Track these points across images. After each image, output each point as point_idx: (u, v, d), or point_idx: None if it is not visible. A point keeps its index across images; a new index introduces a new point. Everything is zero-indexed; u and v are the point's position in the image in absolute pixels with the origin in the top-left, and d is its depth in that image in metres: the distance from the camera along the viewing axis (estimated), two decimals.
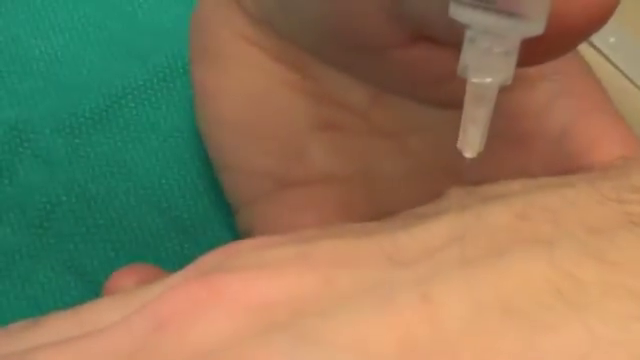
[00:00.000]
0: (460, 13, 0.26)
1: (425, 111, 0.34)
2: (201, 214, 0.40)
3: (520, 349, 0.24)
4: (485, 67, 0.27)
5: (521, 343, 0.24)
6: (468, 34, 0.27)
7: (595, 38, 0.45)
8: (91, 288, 0.37)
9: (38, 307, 0.36)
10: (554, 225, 0.26)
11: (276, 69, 0.36)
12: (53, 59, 0.44)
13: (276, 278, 0.26)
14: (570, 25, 0.27)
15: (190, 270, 0.28)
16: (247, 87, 0.37)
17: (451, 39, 0.27)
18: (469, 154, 0.28)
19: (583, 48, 0.37)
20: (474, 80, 0.27)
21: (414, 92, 0.34)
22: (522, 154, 0.34)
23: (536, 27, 0.26)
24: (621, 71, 0.44)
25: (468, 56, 0.27)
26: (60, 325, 0.28)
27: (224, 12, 0.37)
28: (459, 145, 0.28)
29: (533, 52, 0.27)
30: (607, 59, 0.45)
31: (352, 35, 0.33)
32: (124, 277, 0.32)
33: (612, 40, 0.45)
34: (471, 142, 0.28)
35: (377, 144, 0.36)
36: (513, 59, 0.27)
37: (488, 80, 0.27)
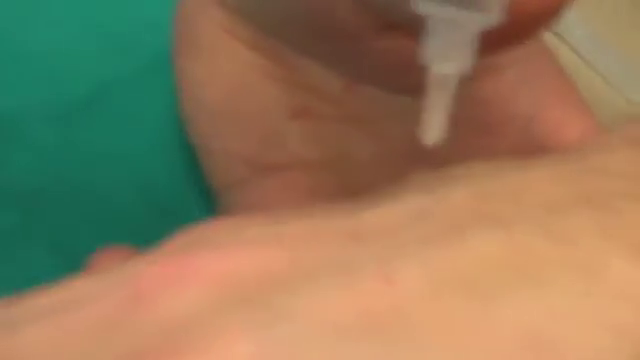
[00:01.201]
0: (421, 5, 0.27)
1: (395, 99, 0.35)
2: (184, 199, 0.40)
3: (475, 320, 0.25)
4: (445, 57, 0.28)
5: (476, 314, 0.25)
6: (429, 24, 0.27)
7: (562, 30, 0.46)
8: (77, 269, 0.37)
9: (26, 287, 0.37)
10: (513, 204, 0.27)
11: (253, 59, 0.37)
12: (42, 50, 0.45)
13: (247, 255, 0.27)
14: (526, 14, 0.28)
15: (166, 246, 0.29)
16: (226, 76, 0.37)
17: (416, 28, 0.28)
18: (429, 141, 0.29)
19: (550, 39, 0.38)
20: (435, 69, 0.28)
21: (384, 81, 0.35)
22: (489, 139, 0.34)
23: (494, 18, 0.27)
24: (587, 61, 0.45)
25: (429, 46, 0.28)
26: (42, 300, 0.29)
27: (205, 5, 0.37)
28: (419, 133, 0.29)
29: (493, 41, 0.28)
30: (573, 50, 0.45)
31: (323, 26, 0.33)
32: (105, 256, 0.33)
33: (579, 32, 0.46)
34: (431, 130, 0.29)
35: (349, 130, 0.37)
36: (472, 49, 0.28)
37: (449, 69, 0.28)
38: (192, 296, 0.26)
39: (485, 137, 0.34)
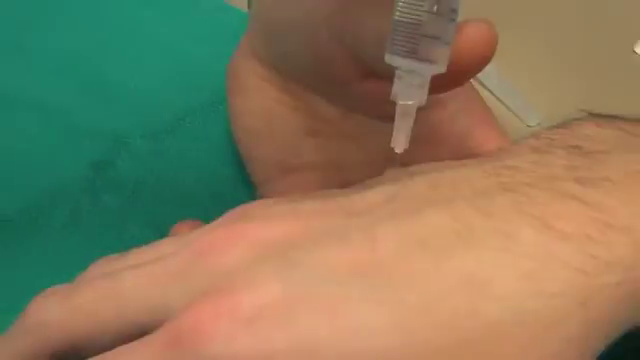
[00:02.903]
0: (393, 59, 0.27)
1: (374, 122, 0.35)
2: (236, 190, 0.41)
3: (429, 269, 0.25)
4: (408, 94, 0.28)
5: (430, 265, 0.25)
6: (397, 72, 0.28)
7: (483, 78, 0.46)
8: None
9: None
10: (453, 190, 0.28)
11: (279, 96, 0.37)
12: (141, 88, 0.45)
13: (274, 225, 0.28)
14: (462, 67, 0.28)
15: (222, 219, 0.29)
16: (260, 108, 0.38)
17: (388, 76, 0.29)
18: (398, 150, 0.30)
19: (475, 84, 0.38)
20: (401, 102, 0.29)
21: (367, 111, 0.35)
22: (437, 149, 0.34)
23: (441, 68, 0.27)
24: (498, 98, 0.46)
25: (397, 87, 0.28)
26: (139, 256, 0.30)
27: (247, 59, 0.38)
28: (392, 144, 0.30)
29: (441, 84, 0.29)
30: (490, 90, 0.46)
31: (326, 74, 0.34)
32: (181, 226, 0.34)
33: (493, 79, 0.46)
34: (399, 143, 0.30)
35: (345, 144, 0.37)
36: (426, 89, 0.28)
37: (410, 102, 0.29)
38: (237, 252, 0.27)
39: (434, 148, 0.34)
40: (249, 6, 0.40)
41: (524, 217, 0.26)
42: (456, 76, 0.29)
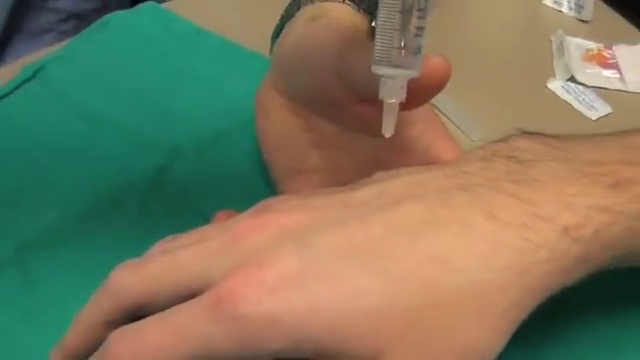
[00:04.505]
0: (378, 69, 0.27)
1: (363, 137, 0.34)
2: (262, 188, 0.40)
3: (405, 249, 0.25)
4: (391, 94, 0.28)
5: (406, 245, 0.25)
6: (382, 79, 0.28)
7: (437, 102, 0.45)
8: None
9: None
10: (424, 189, 0.27)
11: (293, 119, 0.37)
12: (191, 113, 0.44)
13: (290, 215, 0.27)
14: (427, 88, 0.29)
15: (251, 210, 0.29)
16: (278, 126, 0.37)
17: (374, 101, 0.29)
18: (387, 135, 0.29)
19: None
20: (387, 101, 0.28)
21: (358, 128, 0.34)
22: (410, 158, 0.33)
23: (415, 73, 0.27)
24: (450, 119, 0.44)
25: (383, 90, 0.28)
26: (190, 237, 0.29)
27: (270, 91, 0.38)
28: (382, 131, 0.29)
29: (411, 101, 0.28)
30: (443, 114, 0.45)
31: (327, 101, 0.34)
32: (222, 215, 0.33)
33: (446, 105, 0.45)
34: (388, 130, 0.29)
35: (341, 153, 0.36)
36: (404, 89, 0.28)
37: (393, 101, 0.28)
38: (263, 236, 0.26)
39: (407, 157, 0.34)
40: (270, 53, 0.40)
41: (477, 210, 0.25)
42: (423, 94, 0.29)
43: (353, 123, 0.34)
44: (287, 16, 0.39)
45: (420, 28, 0.26)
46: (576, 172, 0.27)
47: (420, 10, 0.26)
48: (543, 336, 0.32)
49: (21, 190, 0.38)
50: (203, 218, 0.33)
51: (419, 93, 0.29)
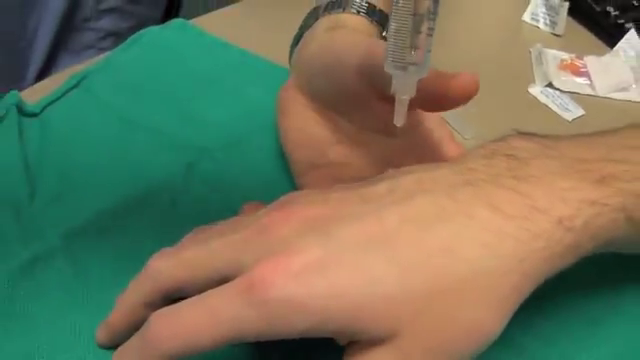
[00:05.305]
0: (390, 68, 0.27)
1: (379, 136, 0.33)
2: (282, 183, 0.38)
3: (417, 238, 0.23)
4: (402, 90, 0.27)
5: (418, 235, 0.24)
6: (394, 77, 0.27)
7: None
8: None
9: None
10: (433, 184, 0.25)
11: (314, 117, 0.35)
12: (218, 118, 0.42)
13: (314, 208, 0.26)
14: (456, 99, 0.28)
15: (277, 202, 0.27)
16: (300, 125, 0.36)
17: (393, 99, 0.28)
18: (399, 125, 0.28)
19: None
20: (399, 97, 0.28)
21: (376, 127, 0.33)
22: (417, 157, 0.32)
23: (424, 73, 0.27)
24: (448, 122, 0.43)
25: (395, 86, 0.27)
26: (222, 228, 0.28)
27: (292, 92, 0.36)
28: (394, 122, 0.29)
29: (435, 108, 0.29)
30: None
31: (349, 100, 0.32)
32: (249, 207, 0.32)
33: None
34: (399, 121, 0.28)
35: (357, 150, 0.35)
36: (414, 86, 0.27)
37: (405, 97, 0.28)
38: (290, 226, 0.25)
39: (415, 156, 0.32)
40: (290, 60, 0.39)
41: (481, 203, 0.24)
42: (449, 104, 0.29)
43: (371, 121, 0.33)
44: (305, 26, 0.38)
45: (431, 29, 0.25)
46: (567, 168, 0.26)
47: (432, 13, 0.25)
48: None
49: (66, 188, 0.36)
50: (229, 210, 0.32)
51: (446, 102, 0.28)
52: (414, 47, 0.25)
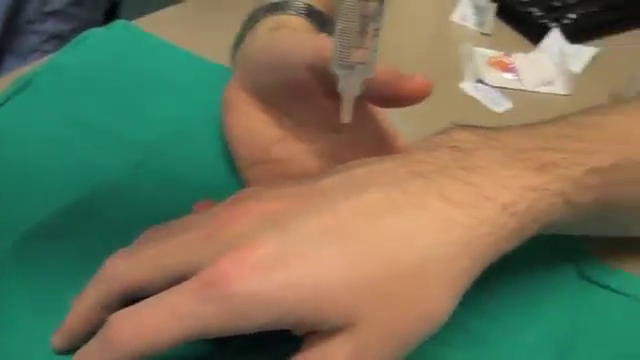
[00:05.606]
0: (336, 68, 0.26)
1: (323, 132, 0.32)
2: (228, 178, 0.36)
3: (370, 230, 0.23)
4: (349, 89, 0.27)
5: (370, 227, 0.23)
6: (340, 77, 0.26)
7: None
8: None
9: None
10: (384, 177, 0.25)
11: (258, 115, 0.34)
12: (164, 116, 0.41)
13: (269, 203, 0.25)
14: (409, 98, 0.28)
15: (230, 200, 0.27)
16: (244, 123, 0.34)
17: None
18: (346, 121, 0.28)
19: None
20: (346, 94, 0.27)
21: (321, 122, 0.32)
22: (360, 152, 0.30)
23: (371, 72, 0.26)
24: None
25: (342, 85, 0.27)
26: (178, 226, 0.27)
27: (236, 89, 0.35)
28: (341, 119, 0.28)
29: (390, 104, 0.28)
30: None
31: (296, 95, 0.31)
32: (202, 205, 0.30)
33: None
34: (346, 118, 0.28)
35: (301, 146, 0.33)
36: (359, 85, 0.27)
37: (351, 95, 0.27)
38: (247, 222, 0.24)
39: (358, 151, 0.30)
40: (232, 60, 0.38)
41: (432, 193, 0.24)
42: (403, 102, 0.28)
43: (316, 117, 0.32)
44: (247, 27, 0.37)
45: (376, 30, 0.24)
46: (509, 158, 0.26)
47: (378, 14, 0.24)
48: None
49: (15, 191, 0.34)
50: (178, 206, 0.30)
51: (398, 102, 0.28)
52: (360, 47, 0.25)
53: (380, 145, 0.31)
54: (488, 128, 0.28)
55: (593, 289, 0.33)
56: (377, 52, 0.25)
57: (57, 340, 0.27)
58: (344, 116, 0.27)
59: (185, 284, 0.22)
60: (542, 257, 0.33)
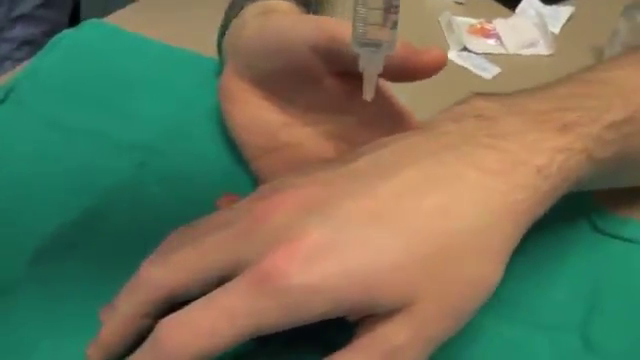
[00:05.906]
0: (357, 48, 0.25)
1: (330, 114, 0.32)
2: (234, 172, 0.35)
3: (412, 208, 0.23)
4: (371, 67, 0.26)
5: (413, 205, 0.23)
6: (362, 55, 0.26)
7: None
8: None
9: None
10: (415, 153, 0.25)
11: (258, 102, 0.33)
12: (162, 115, 0.39)
13: (305, 190, 0.24)
14: (426, 70, 0.28)
15: (263, 190, 0.26)
16: (248, 111, 0.33)
17: (355, 71, 0.26)
18: (368, 99, 0.27)
19: None
20: (366, 71, 0.27)
21: (328, 103, 0.31)
22: (371, 131, 0.30)
23: (392, 49, 0.25)
24: None
25: (364, 63, 0.26)
26: (209, 224, 0.25)
27: (232, 78, 0.33)
28: (364, 97, 0.27)
29: (405, 78, 0.27)
30: None
31: (303, 75, 0.30)
32: (226, 200, 0.30)
33: None
34: (368, 95, 0.27)
35: (308, 130, 0.33)
36: (381, 62, 0.26)
37: (376, 72, 0.27)
38: (285, 213, 0.23)
39: (369, 130, 0.30)
40: (219, 50, 0.37)
41: (465, 164, 0.24)
42: (419, 74, 0.28)
43: (321, 99, 0.31)
44: (231, 16, 0.36)
45: (396, 7, 0.24)
46: (532, 122, 0.26)
47: None
48: None
49: (18, 209, 0.32)
50: (190, 203, 0.29)
51: (416, 75, 0.27)
52: (384, 25, 0.24)
53: (395, 123, 0.31)
54: (502, 95, 0.28)
55: (608, 241, 0.33)
56: (396, 29, 0.25)
57: (92, 353, 0.25)
58: (367, 94, 0.27)
59: (234, 283, 0.22)
60: (556, 214, 0.34)
